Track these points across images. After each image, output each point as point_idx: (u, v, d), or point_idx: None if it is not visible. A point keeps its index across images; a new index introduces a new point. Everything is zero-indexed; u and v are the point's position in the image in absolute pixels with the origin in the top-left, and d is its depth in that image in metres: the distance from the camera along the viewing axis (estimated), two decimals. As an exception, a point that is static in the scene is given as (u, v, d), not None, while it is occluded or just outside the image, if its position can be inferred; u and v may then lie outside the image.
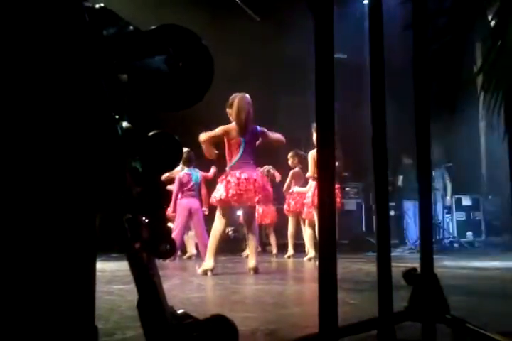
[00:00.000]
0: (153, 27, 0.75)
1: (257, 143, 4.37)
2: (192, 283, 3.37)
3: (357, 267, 4.67)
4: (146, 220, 0.67)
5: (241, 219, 7.90)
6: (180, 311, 1.07)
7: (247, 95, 4.34)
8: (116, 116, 0.98)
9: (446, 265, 4.68)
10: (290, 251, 6.80)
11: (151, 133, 1.04)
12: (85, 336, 0.79)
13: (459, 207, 8.83)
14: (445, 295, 1.36)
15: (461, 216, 8.80)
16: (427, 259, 1.38)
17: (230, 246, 7.37)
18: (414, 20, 1.51)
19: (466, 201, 8.88)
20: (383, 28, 1.45)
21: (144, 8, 6.40)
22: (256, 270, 4.13)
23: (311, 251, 5.95)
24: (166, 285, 3.05)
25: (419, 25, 1.50)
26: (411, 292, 1.36)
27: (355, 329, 1.31)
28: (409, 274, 1.36)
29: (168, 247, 0.71)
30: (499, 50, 1.51)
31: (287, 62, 8.04)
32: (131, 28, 0.68)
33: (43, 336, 0.74)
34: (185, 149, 6.98)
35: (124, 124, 1.03)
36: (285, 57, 7.98)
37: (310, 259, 5.83)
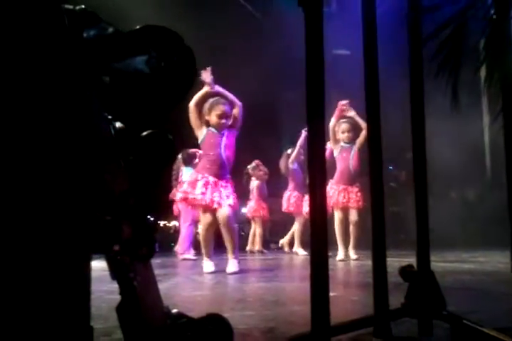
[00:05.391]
0: (137, 27, 0.75)
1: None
2: (194, 281, 3.37)
3: (361, 263, 4.66)
4: (129, 222, 0.67)
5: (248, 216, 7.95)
6: (174, 311, 1.07)
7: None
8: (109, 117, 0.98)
9: (448, 259, 4.66)
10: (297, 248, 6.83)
11: (144, 133, 1.04)
12: (80, 336, 0.79)
13: (463, 200, 8.82)
14: (445, 290, 1.36)
15: (465, 209, 8.78)
16: (423, 256, 1.37)
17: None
18: (408, 16, 1.51)
19: (470, 194, 8.86)
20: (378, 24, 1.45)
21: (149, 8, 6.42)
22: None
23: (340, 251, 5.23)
24: (169, 284, 3.06)
25: (414, 21, 1.49)
26: (407, 289, 1.36)
27: (352, 326, 1.31)
28: (405, 271, 1.35)
29: (147, 250, 0.71)
30: (499, 44, 1.51)
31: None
32: (111, 29, 0.68)
33: (37, 337, 0.74)
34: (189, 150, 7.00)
35: (118, 124, 1.03)
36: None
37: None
